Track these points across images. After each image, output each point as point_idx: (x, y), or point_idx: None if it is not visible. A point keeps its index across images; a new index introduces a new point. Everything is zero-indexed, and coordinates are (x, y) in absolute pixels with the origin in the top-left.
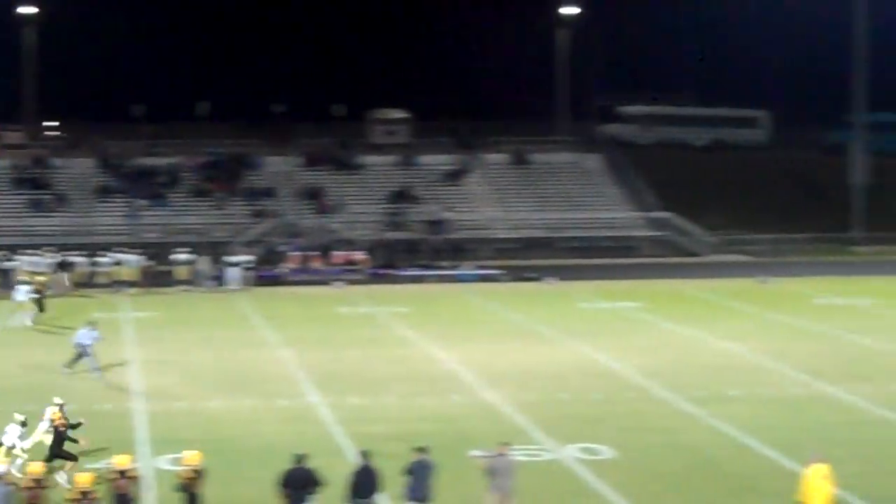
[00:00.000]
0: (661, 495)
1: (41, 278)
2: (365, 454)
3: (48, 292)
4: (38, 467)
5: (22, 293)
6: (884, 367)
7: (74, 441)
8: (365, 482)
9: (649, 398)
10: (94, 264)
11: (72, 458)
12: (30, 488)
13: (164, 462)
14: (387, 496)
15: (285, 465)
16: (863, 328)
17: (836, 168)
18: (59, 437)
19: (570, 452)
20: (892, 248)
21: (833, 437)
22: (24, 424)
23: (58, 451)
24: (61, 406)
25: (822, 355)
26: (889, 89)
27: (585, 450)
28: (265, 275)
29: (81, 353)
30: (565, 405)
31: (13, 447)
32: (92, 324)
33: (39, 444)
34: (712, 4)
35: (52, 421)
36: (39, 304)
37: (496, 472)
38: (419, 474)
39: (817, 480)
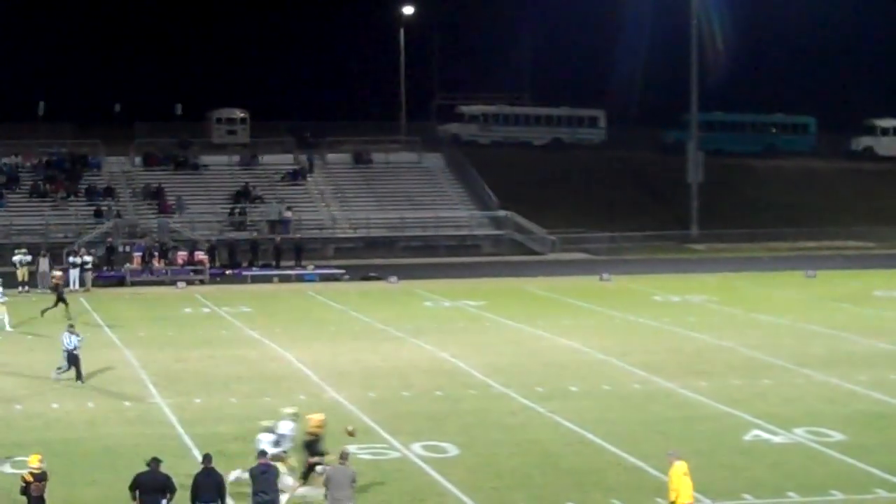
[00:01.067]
0: (506, 492)
1: (57, 273)
2: (207, 457)
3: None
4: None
5: None
6: (719, 362)
7: None
8: (207, 485)
9: (492, 395)
10: None
11: None
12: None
13: (6, 466)
14: (231, 497)
15: (130, 466)
16: (699, 324)
17: (673, 167)
18: None
19: (415, 451)
20: (728, 246)
21: (671, 431)
22: None
23: None
24: None
25: (660, 351)
26: (724, 90)
27: (430, 447)
28: (106, 275)
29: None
30: (409, 403)
31: None
32: (72, 327)
33: None
34: (551, 6)
35: None
36: (61, 300)
37: (332, 483)
38: (263, 478)
39: (680, 477)
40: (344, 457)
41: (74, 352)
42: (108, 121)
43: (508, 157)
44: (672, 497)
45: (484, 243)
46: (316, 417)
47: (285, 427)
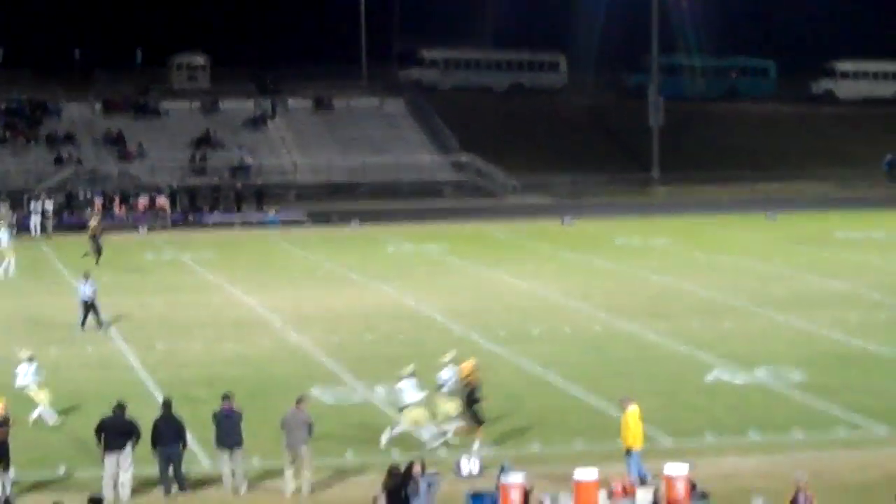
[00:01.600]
0: (469, 433)
1: (93, 221)
2: (166, 403)
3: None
4: None
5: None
6: (680, 304)
7: None
8: (166, 430)
9: (455, 338)
10: None
11: None
12: None
13: None
14: (195, 441)
15: (94, 411)
16: (660, 267)
17: (634, 111)
18: None
19: (379, 394)
20: (688, 189)
21: (633, 372)
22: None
23: None
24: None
25: (621, 294)
26: (685, 34)
27: (395, 390)
28: (68, 222)
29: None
30: (373, 347)
31: None
32: (87, 275)
33: None
34: None
35: None
36: (96, 247)
37: (286, 426)
38: (227, 422)
39: (637, 422)
40: (300, 401)
41: (88, 300)
42: (68, 67)
43: (470, 101)
44: (630, 442)
45: (446, 188)
46: (468, 364)
47: (447, 374)
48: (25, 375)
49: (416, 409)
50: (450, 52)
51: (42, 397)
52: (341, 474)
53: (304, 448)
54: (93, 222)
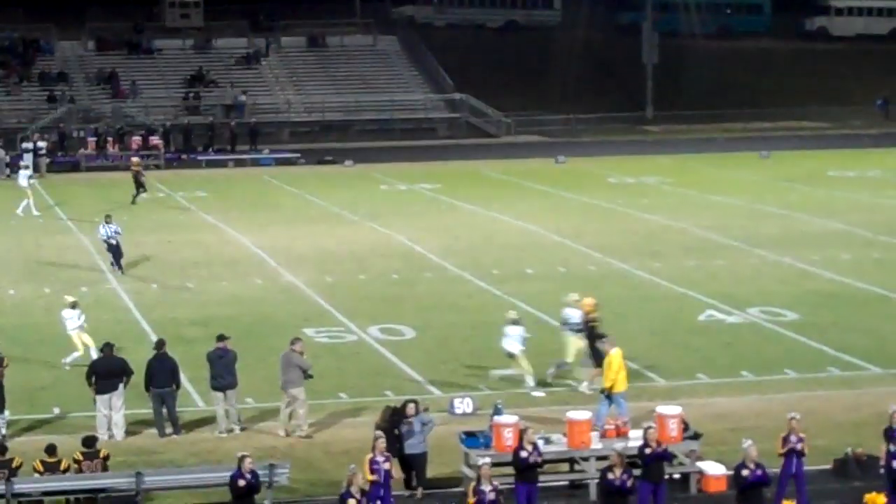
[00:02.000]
0: (463, 373)
1: (135, 159)
2: (160, 343)
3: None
4: None
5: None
6: (673, 243)
7: None
8: (160, 371)
9: (448, 278)
10: None
11: None
12: None
13: None
14: (189, 382)
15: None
16: (654, 206)
17: (628, 48)
18: None
19: (372, 333)
20: (682, 127)
21: (626, 312)
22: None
23: None
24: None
25: (614, 233)
26: None
27: (387, 330)
28: (61, 161)
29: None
30: (366, 286)
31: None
32: (109, 217)
33: None
34: None
35: None
36: (140, 185)
37: (281, 368)
38: (221, 363)
39: (621, 364)
40: (293, 342)
41: (111, 241)
42: (61, 5)
43: (463, 39)
44: (608, 384)
45: (439, 126)
46: (589, 301)
47: (573, 314)
48: (71, 320)
49: (523, 357)
50: None
51: (87, 341)
52: (335, 415)
53: (296, 390)
54: (135, 159)
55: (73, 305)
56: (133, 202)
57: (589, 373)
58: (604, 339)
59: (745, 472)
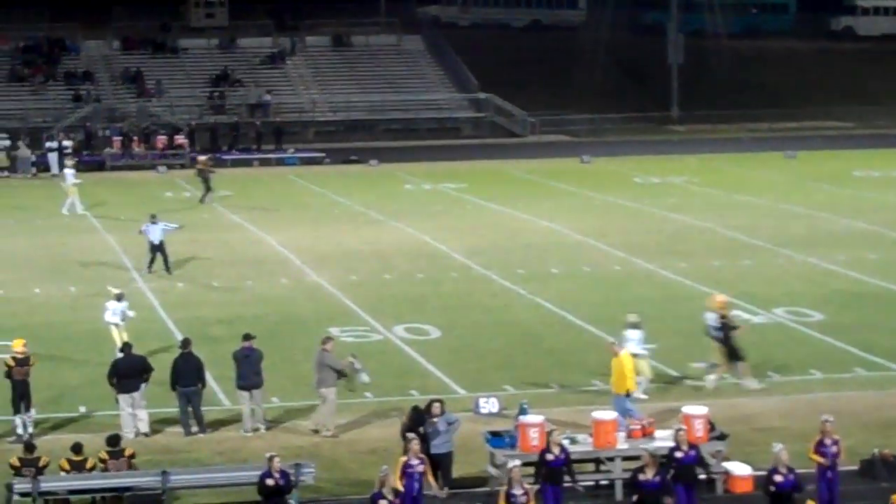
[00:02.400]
0: (488, 372)
1: (203, 157)
2: (185, 342)
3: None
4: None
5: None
6: (699, 243)
7: None
8: (186, 370)
9: (473, 277)
10: None
11: None
12: None
13: None
14: (214, 380)
15: (113, 350)
16: (679, 206)
17: (653, 48)
18: None
19: (398, 333)
20: (707, 127)
21: (651, 312)
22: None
23: None
24: None
25: (640, 233)
26: None
27: (412, 329)
28: (86, 160)
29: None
30: (391, 286)
31: None
32: (157, 217)
33: None
34: None
35: None
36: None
37: (313, 368)
38: (247, 362)
39: (631, 364)
40: (323, 342)
41: (155, 241)
42: (86, 4)
43: (488, 38)
44: (631, 384)
45: (464, 126)
46: (721, 298)
47: (711, 317)
48: (114, 313)
49: (641, 360)
50: None
51: (117, 338)
52: (361, 414)
53: (327, 390)
54: (202, 157)
55: (119, 297)
56: (202, 201)
57: (742, 367)
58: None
59: (777, 478)
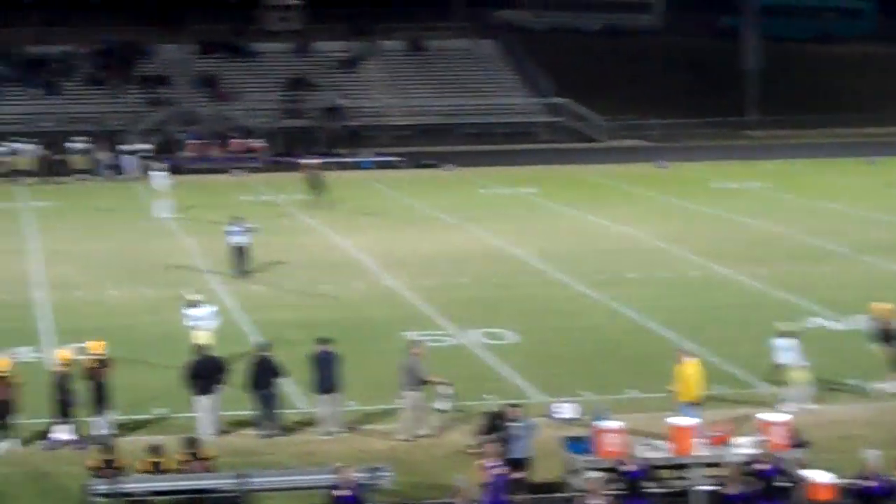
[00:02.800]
0: (565, 377)
1: (310, 161)
2: (263, 345)
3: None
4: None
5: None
6: (778, 249)
7: None
8: (263, 372)
9: (549, 282)
10: None
11: None
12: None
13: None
14: (291, 383)
15: (188, 352)
16: (757, 211)
17: (729, 52)
18: None
19: (474, 337)
20: (785, 132)
21: (730, 318)
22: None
23: None
24: None
25: (718, 239)
26: None
27: (488, 334)
28: (162, 163)
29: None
30: (466, 290)
31: None
32: (240, 219)
33: None
34: None
35: None
36: (318, 188)
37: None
38: (324, 365)
39: (694, 372)
40: (411, 346)
41: (238, 243)
42: (162, 8)
43: (563, 43)
44: (696, 393)
45: (539, 130)
46: (885, 307)
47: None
48: (194, 318)
49: (797, 370)
50: None
51: (199, 339)
52: (438, 418)
53: (408, 394)
54: (309, 160)
55: (197, 303)
56: (318, 205)
57: None
58: None
59: (865, 484)
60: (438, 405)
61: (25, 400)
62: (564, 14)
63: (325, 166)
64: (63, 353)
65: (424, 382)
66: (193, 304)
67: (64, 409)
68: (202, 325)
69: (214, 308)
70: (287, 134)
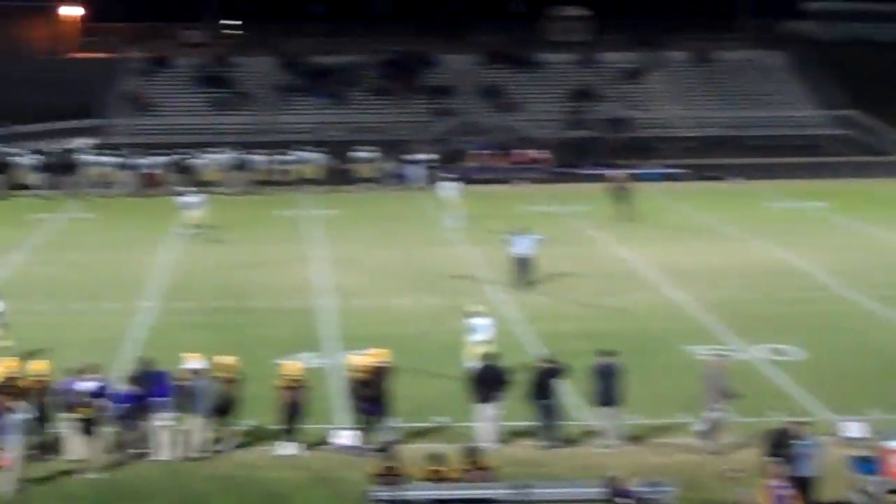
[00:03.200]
0: (854, 396)
1: (617, 172)
2: (548, 356)
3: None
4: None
5: (447, 189)
6: None
7: None
8: (546, 383)
9: (839, 298)
10: (274, 162)
11: None
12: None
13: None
14: (572, 394)
15: (466, 362)
16: None
17: None
18: None
19: (759, 353)
20: None
21: None
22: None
23: None
24: None
25: None
26: None
27: (775, 350)
28: (447, 173)
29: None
30: (752, 304)
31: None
32: (525, 230)
33: None
34: None
35: None
36: (625, 201)
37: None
38: (605, 378)
39: None
40: (714, 358)
41: (522, 254)
42: (449, 19)
43: (853, 54)
44: None
45: (827, 143)
46: None
47: None
48: (473, 330)
49: None
50: (831, 3)
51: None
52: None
53: (713, 406)
54: (616, 172)
55: (478, 314)
56: (625, 219)
57: None
58: None
59: None
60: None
61: (310, 405)
62: (855, 25)
63: (631, 178)
64: (357, 360)
65: (728, 396)
66: (472, 315)
67: (356, 415)
68: (480, 336)
69: (492, 319)
70: (569, 145)
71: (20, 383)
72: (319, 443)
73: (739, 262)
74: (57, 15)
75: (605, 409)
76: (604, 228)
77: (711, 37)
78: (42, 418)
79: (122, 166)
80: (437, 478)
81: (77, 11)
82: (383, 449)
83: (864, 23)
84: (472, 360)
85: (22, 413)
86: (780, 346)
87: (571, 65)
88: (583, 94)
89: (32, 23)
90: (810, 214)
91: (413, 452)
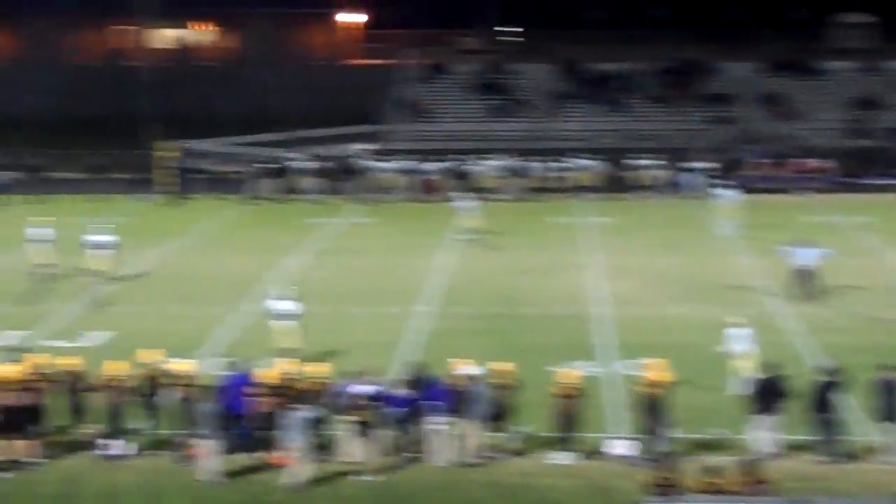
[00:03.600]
0: None
1: None
2: (830, 369)
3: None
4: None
5: (725, 198)
6: None
7: None
8: (826, 397)
9: None
10: (549, 169)
11: None
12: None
13: (626, 367)
14: (856, 409)
15: (732, 373)
16: None
17: None
18: None
19: None
20: None
21: None
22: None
23: None
24: None
25: None
26: None
27: None
28: (726, 182)
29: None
30: None
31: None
32: (808, 241)
33: None
34: None
35: None
36: None
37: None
38: (886, 393)
39: None
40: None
41: (804, 266)
42: (731, 27)
43: None
44: None
45: None
46: None
47: None
48: (735, 341)
49: None
50: None
51: (743, 366)
52: None
53: None
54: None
55: (736, 325)
56: None
57: None
58: None
59: None
60: None
61: (585, 414)
62: None
63: None
64: (653, 372)
65: None
66: (731, 326)
67: (647, 427)
68: (740, 347)
69: (751, 330)
70: (852, 154)
71: (298, 385)
72: (594, 452)
73: None
74: (335, 22)
75: (888, 425)
76: (885, 239)
77: None
78: (319, 420)
79: (403, 171)
80: (715, 490)
81: (359, 18)
82: (659, 459)
83: None
84: (737, 372)
85: (306, 412)
86: None
87: (855, 72)
88: (867, 103)
89: (312, 30)
90: None
91: (689, 464)
